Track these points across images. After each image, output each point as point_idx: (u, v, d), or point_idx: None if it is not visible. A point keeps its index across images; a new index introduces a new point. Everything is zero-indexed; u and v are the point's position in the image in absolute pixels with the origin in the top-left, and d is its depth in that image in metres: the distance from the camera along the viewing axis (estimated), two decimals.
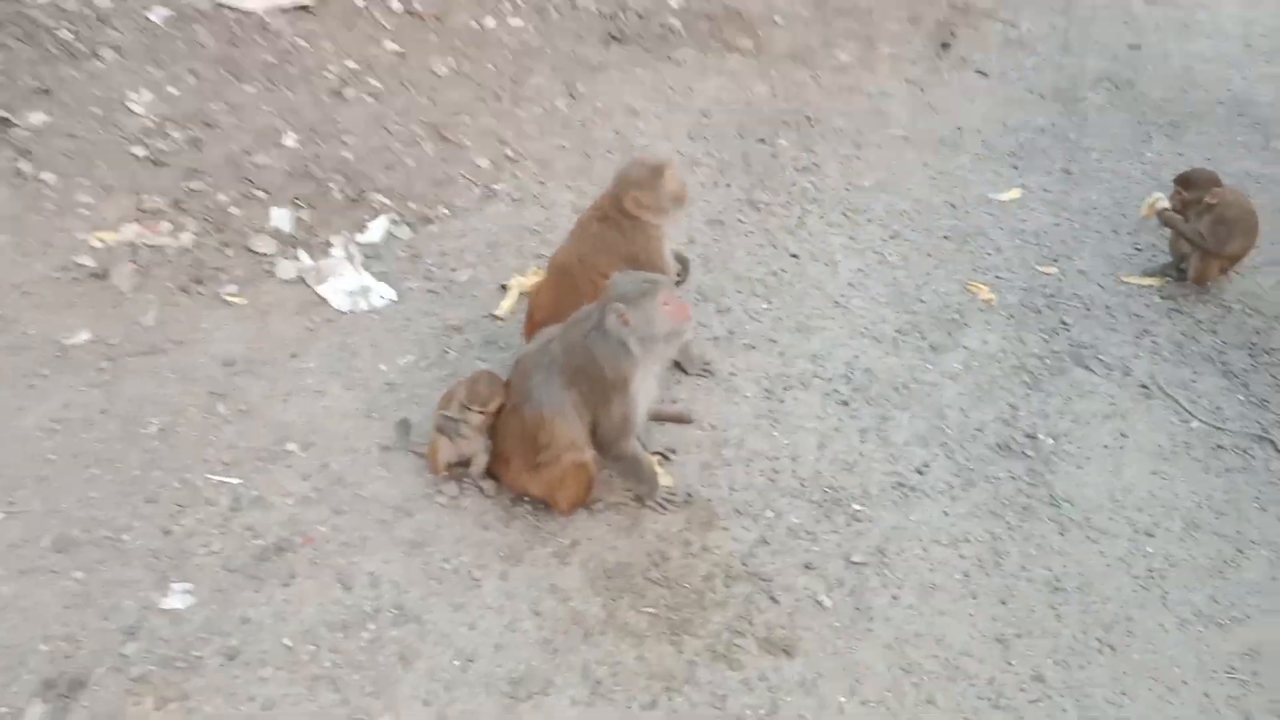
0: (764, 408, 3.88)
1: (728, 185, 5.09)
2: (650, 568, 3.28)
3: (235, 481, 3.44)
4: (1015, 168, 5.40)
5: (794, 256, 4.65)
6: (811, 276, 4.53)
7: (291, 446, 3.58)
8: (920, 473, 3.67)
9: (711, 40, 6.31)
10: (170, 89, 5.21)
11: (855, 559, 3.35)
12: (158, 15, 5.65)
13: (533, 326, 3.70)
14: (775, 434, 3.77)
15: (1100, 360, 4.20)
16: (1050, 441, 3.82)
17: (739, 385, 3.97)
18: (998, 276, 4.61)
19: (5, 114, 4.73)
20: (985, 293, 4.46)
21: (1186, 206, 4.41)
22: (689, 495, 3.51)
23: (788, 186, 5.12)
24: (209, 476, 3.45)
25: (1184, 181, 4.43)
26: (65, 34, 5.00)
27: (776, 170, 5.22)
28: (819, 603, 3.22)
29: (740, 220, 4.86)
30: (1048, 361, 4.18)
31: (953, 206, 5.06)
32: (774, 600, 3.21)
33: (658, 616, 3.14)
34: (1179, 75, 6.32)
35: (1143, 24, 6.85)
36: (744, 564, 3.31)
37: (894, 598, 3.25)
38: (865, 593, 3.26)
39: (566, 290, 3.62)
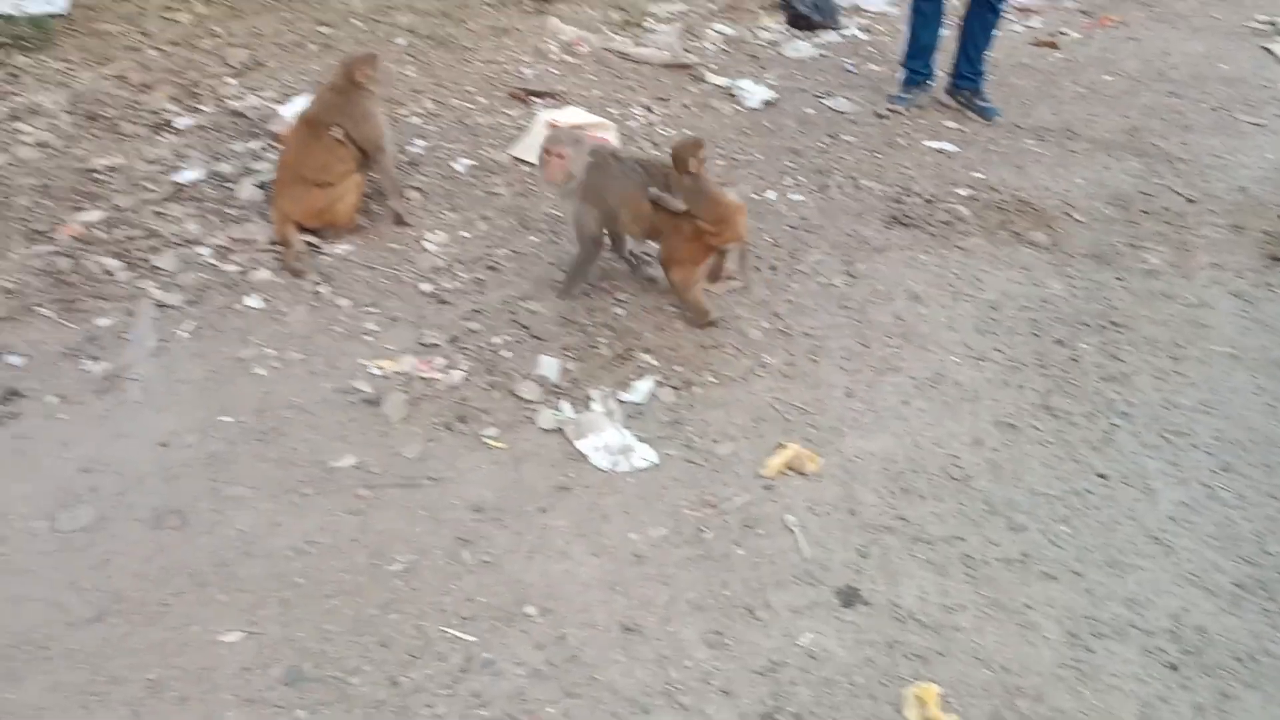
0: (1068, 655, 3.25)
1: (1020, 386, 4.59)
2: None
3: (470, 639, 3.21)
4: None
5: (1101, 477, 4.04)
6: (1123, 503, 3.89)
7: (530, 609, 3.32)
8: None
9: (1001, 231, 5.94)
10: (463, 232, 5.42)
11: None
12: (461, 164, 6.01)
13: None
14: (1084, 692, 3.12)
15: None
16: None
17: (1036, 621, 3.37)
18: None
19: (315, 241, 5.06)
20: None
21: None
22: None
23: (1090, 395, 4.54)
24: (444, 629, 3.24)
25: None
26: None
27: (1078, 376, 4.67)
28: None
29: (1035, 427, 4.32)
30: None
31: None
32: None
33: None
34: None
35: None
36: None
37: None
38: None
39: None
